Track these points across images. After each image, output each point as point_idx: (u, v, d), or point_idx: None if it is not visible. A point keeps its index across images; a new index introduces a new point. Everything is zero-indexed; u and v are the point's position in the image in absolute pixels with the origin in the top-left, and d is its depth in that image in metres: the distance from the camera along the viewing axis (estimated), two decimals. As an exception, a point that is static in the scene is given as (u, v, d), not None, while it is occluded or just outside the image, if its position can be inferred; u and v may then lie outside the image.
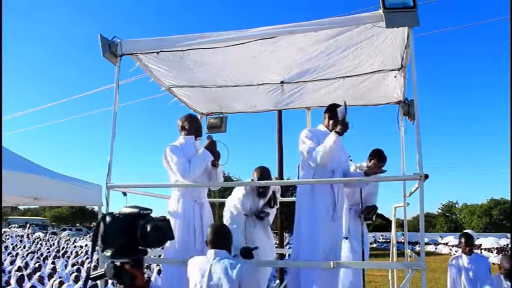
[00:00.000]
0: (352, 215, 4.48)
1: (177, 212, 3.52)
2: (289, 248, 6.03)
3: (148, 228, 1.12)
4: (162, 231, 1.16)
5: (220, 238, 2.81)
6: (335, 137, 3.22)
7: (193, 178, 3.44)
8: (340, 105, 3.37)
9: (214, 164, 3.67)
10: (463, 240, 5.03)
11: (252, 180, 4.24)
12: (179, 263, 3.49)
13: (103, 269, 1.18)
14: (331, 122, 3.49)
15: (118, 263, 1.13)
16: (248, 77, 4.33)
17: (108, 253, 1.14)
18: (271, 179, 4.46)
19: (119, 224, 1.14)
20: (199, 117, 5.26)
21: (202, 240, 3.34)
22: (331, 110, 3.51)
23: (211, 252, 2.76)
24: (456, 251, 30.42)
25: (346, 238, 4.34)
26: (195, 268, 2.75)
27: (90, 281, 1.21)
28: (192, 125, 3.75)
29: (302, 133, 3.49)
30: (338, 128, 3.26)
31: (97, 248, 1.16)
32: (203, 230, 3.45)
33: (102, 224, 1.15)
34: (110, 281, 5.65)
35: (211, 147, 3.60)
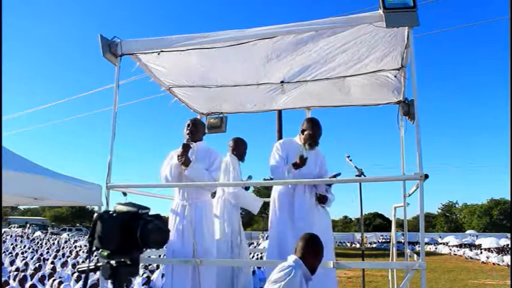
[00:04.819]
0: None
1: (170, 211, 3.78)
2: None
3: (150, 229, 1.08)
4: (163, 232, 1.12)
5: (299, 246, 2.74)
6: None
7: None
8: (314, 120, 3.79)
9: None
10: None
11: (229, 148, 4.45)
12: (179, 262, 3.50)
13: (94, 264, 1.13)
14: (302, 136, 3.80)
15: (114, 263, 1.09)
16: (248, 77, 4.32)
17: (105, 253, 1.09)
18: (245, 148, 4.52)
19: (117, 223, 1.09)
20: (198, 117, 5.26)
21: (187, 239, 3.54)
22: (303, 123, 3.82)
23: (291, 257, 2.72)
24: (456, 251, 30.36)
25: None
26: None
27: (81, 273, 1.16)
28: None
29: (275, 145, 3.77)
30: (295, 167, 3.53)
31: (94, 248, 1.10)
32: (188, 230, 3.57)
33: (99, 223, 1.09)
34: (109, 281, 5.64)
35: (181, 152, 3.62)
